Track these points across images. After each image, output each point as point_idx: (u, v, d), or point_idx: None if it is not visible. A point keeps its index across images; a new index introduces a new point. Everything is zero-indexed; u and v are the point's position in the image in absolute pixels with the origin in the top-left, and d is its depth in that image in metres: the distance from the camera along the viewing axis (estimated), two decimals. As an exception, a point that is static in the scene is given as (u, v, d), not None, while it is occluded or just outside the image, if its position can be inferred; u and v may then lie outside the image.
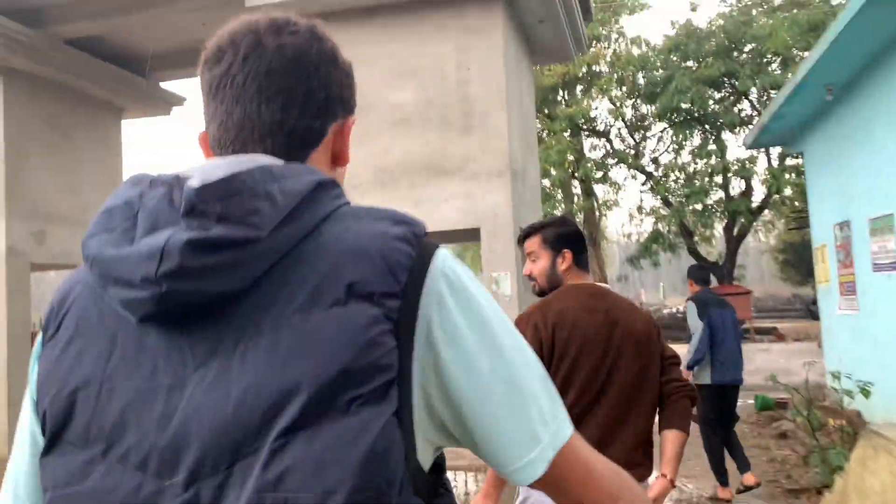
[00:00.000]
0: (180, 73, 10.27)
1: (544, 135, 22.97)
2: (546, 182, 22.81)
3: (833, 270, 7.40)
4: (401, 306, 0.67)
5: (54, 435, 0.71)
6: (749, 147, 8.79)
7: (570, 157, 22.05)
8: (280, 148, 0.79)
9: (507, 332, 0.74)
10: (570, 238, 2.21)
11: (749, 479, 5.06)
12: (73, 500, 0.68)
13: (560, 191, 24.63)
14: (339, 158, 0.86)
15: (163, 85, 10.54)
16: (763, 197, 21.17)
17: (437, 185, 6.93)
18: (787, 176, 18.57)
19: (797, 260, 36.36)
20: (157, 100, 10.46)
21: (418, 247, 0.71)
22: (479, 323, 0.72)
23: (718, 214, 21.01)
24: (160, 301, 0.65)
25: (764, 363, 13.59)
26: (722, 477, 5.13)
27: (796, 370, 12.56)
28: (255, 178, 0.69)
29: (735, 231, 21.52)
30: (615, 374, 2.05)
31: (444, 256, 0.74)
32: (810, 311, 32.80)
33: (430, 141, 7.03)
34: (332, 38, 0.85)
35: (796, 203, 22.95)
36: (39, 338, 0.78)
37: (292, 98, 0.79)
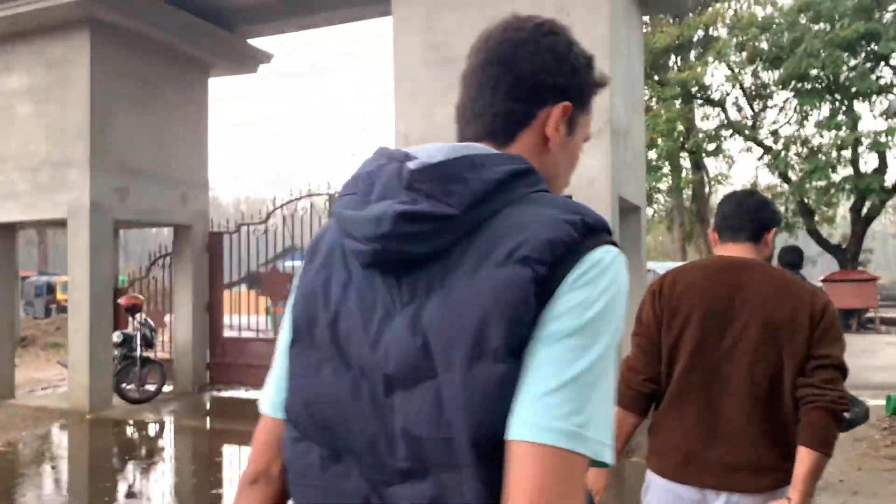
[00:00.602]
0: (268, 30, 9.94)
1: (653, 102, 21.58)
2: (652, 154, 21.52)
3: None
4: (548, 274, 0.79)
5: (298, 335, 0.94)
6: (891, 116, 7.47)
7: (680, 127, 20.52)
8: (490, 126, 0.95)
9: (606, 343, 0.79)
10: (717, 211, 2.10)
11: None
12: (309, 388, 0.91)
13: (668, 163, 23.15)
14: (550, 140, 0.95)
15: (250, 41, 10.26)
16: (900, 174, 18.98)
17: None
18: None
19: (933, 246, 33.01)
20: (245, 57, 10.21)
21: (585, 234, 0.82)
22: (593, 315, 0.79)
23: (845, 192, 19.01)
24: (375, 255, 0.86)
25: (894, 359, 12.03)
26: None
27: None
28: (458, 166, 0.85)
29: (863, 211, 19.45)
30: (733, 355, 1.88)
31: (609, 249, 0.83)
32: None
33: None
34: (567, 32, 0.99)
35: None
36: (304, 261, 0.99)
37: (499, 85, 0.94)
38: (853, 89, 17.28)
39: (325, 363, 0.89)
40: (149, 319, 9.28)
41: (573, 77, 0.96)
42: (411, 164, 0.85)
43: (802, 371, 1.84)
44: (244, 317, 10.01)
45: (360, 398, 0.85)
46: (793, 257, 5.53)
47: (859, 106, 18.52)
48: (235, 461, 6.66)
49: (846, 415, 1.83)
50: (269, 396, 1.00)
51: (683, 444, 1.91)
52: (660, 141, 19.16)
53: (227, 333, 10.10)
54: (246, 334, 10.13)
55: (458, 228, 0.83)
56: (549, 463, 0.74)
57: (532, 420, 0.75)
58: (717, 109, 22.57)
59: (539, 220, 0.82)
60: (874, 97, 18.86)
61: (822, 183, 18.17)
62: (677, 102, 20.27)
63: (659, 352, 1.97)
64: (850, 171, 19.15)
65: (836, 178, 18.69)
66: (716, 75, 22.67)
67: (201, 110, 9.96)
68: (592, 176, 5.98)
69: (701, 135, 20.65)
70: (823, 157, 18.23)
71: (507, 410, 0.76)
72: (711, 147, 22.22)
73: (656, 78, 20.83)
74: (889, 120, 18.25)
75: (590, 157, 5.97)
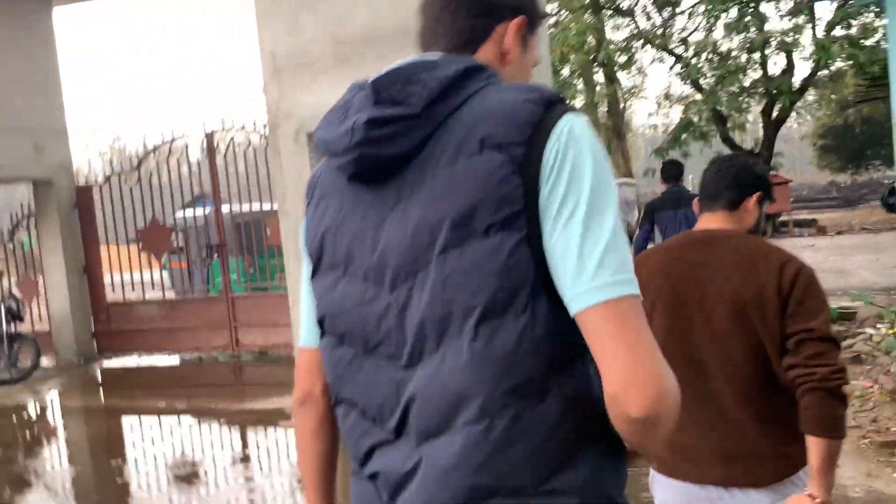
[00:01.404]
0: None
1: (561, 15, 20.84)
2: (566, 71, 20.92)
3: (923, 148, 5.82)
4: (525, 153, 0.87)
5: (315, 264, 1.05)
6: (796, 15, 6.92)
7: (592, 41, 19.90)
8: (451, 44, 1.02)
9: (600, 190, 0.86)
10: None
11: None
12: (331, 302, 1.01)
13: (580, 78, 22.61)
14: (506, 54, 1.03)
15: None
16: (808, 74, 19.05)
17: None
18: (836, 47, 16.33)
19: (838, 145, 34.11)
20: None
21: (546, 108, 0.89)
22: (581, 171, 0.87)
23: (756, 96, 19.00)
24: (356, 163, 0.94)
25: (812, 263, 12.10)
26: None
27: (853, 270, 11.11)
28: (412, 69, 0.94)
29: (773, 115, 19.54)
30: (707, 339, 1.73)
31: (573, 120, 0.90)
32: (847, 201, 31.03)
33: (406, 0, 5.43)
34: None
35: (849, 79, 20.72)
36: (306, 204, 1.09)
37: (460, 5, 1.02)
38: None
39: (339, 279, 1.00)
40: (14, 290, 8.20)
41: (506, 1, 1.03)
42: (371, 77, 0.95)
43: (786, 349, 1.67)
44: (139, 276, 9.00)
45: (370, 300, 0.96)
46: (672, 169, 5.62)
47: (766, 7, 18.33)
48: (138, 439, 5.88)
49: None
50: (302, 332, 1.12)
51: (677, 437, 1.55)
52: (571, 56, 18.50)
53: (121, 296, 9.08)
54: (149, 296, 9.13)
55: (424, 126, 0.92)
56: (619, 311, 0.83)
57: (588, 286, 0.83)
58: (628, 19, 22.08)
59: (502, 104, 0.91)
60: (780, -3, 18.69)
61: (733, 88, 18.04)
62: (587, 15, 19.60)
63: None
64: (759, 74, 19.11)
65: (746, 82, 18.61)
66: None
67: (46, 45, 8.60)
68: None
69: (612, 47, 20.08)
70: (734, 63, 18.05)
71: (504, 276, 0.85)
72: (623, 59, 21.78)
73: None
74: (794, 19, 18.15)
75: (482, 65, 5.23)
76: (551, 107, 0.89)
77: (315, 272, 1.04)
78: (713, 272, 1.74)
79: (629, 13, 21.98)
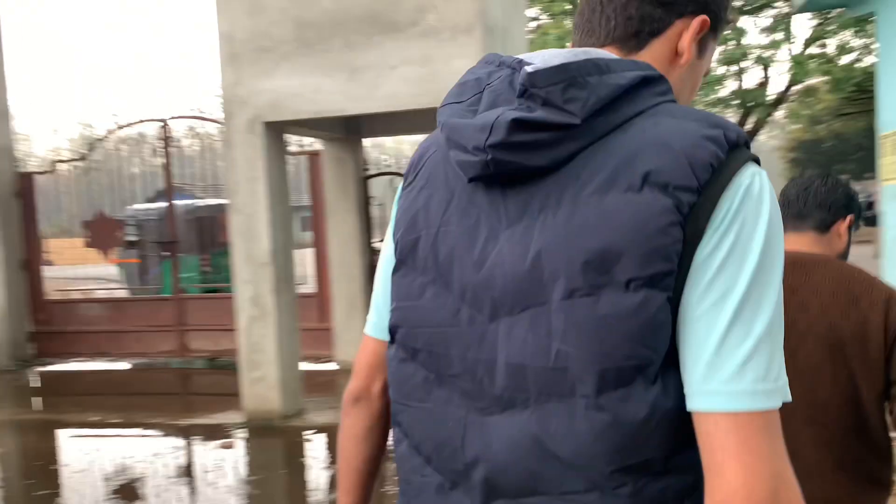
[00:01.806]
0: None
1: (543, 17, 20.60)
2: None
3: (916, 166, 5.55)
4: (695, 202, 0.69)
5: (402, 259, 0.88)
6: (798, 10, 6.64)
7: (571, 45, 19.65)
8: (619, 31, 0.84)
9: (765, 272, 0.70)
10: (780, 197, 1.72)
11: None
12: (411, 311, 0.86)
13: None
14: (680, 56, 0.86)
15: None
16: (783, 89, 19.06)
17: (380, 46, 4.95)
18: (812, 63, 16.32)
19: (807, 159, 34.55)
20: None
21: (728, 152, 0.71)
22: (749, 243, 0.70)
23: (732, 107, 18.95)
24: (484, 166, 0.76)
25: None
26: None
27: None
28: (581, 69, 0.74)
29: (748, 127, 19.52)
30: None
31: (755, 171, 0.73)
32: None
33: (375, -14, 4.98)
34: None
35: (822, 95, 20.81)
36: (401, 184, 0.93)
37: None
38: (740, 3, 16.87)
39: (427, 286, 0.85)
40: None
41: None
42: (528, 68, 0.75)
43: (888, 393, 1.50)
44: (86, 271, 8.39)
45: (461, 322, 0.81)
46: None
47: (745, 21, 18.29)
48: (73, 456, 5.32)
49: None
50: (372, 318, 0.99)
51: None
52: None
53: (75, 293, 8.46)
54: (101, 294, 8.52)
55: (579, 139, 0.75)
56: (748, 427, 0.68)
57: (720, 388, 0.69)
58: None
59: (677, 136, 0.72)
60: (760, 11, 18.64)
61: (711, 97, 17.97)
62: (568, 20, 19.37)
63: None
64: (735, 86, 19.07)
65: (723, 93, 18.56)
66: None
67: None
68: (463, 82, 4.83)
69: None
70: (711, 74, 17.97)
71: (640, 341, 0.70)
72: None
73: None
74: (772, 35, 18.13)
75: (457, 57, 4.80)
76: (735, 150, 0.72)
77: (400, 266, 0.90)
78: (806, 300, 1.54)
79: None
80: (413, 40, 4.88)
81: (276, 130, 5.42)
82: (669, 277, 0.70)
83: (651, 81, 0.77)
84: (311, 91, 5.05)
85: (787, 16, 17.73)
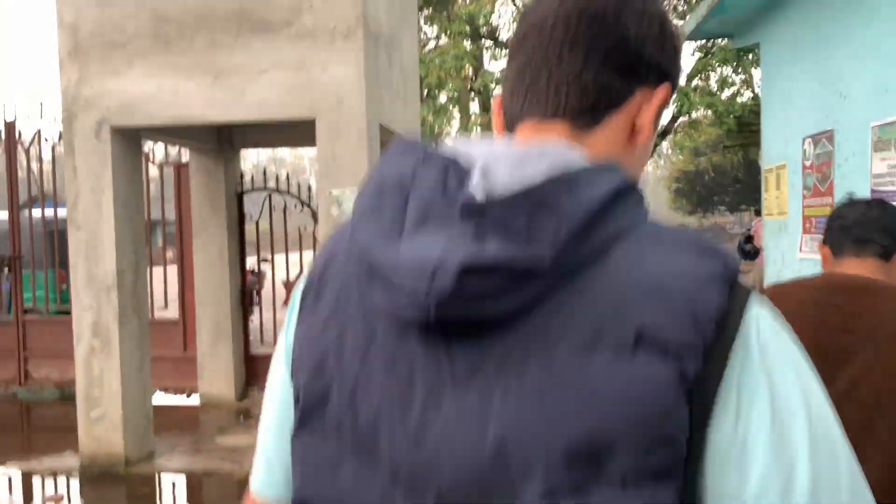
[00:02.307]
0: None
1: (442, 38, 20.59)
2: (443, 97, 20.56)
3: (795, 200, 5.61)
4: (702, 369, 0.54)
5: (307, 414, 0.67)
6: (689, 38, 6.70)
7: (470, 70, 19.73)
8: (573, 103, 0.68)
9: (827, 442, 0.55)
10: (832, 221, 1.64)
11: None
12: (324, 488, 0.65)
13: (457, 105, 22.37)
14: (639, 133, 0.70)
15: None
16: (668, 119, 19.87)
17: (249, 47, 4.45)
18: (696, 96, 17.08)
19: (689, 189, 36.49)
20: None
21: (732, 293, 0.57)
22: (791, 415, 0.55)
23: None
24: (426, 318, 0.58)
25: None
26: None
27: None
28: (546, 186, 0.57)
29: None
30: (849, 404, 1.32)
31: (759, 310, 0.58)
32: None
33: (247, -18, 4.49)
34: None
35: (705, 128, 21.89)
36: (298, 294, 0.72)
37: (598, 46, 0.67)
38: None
39: (344, 458, 0.64)
40: None
41: (674, 57, 0.72)
42: (473, 178, 0.59)
43: None
44: None
45: None
46: None
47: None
48: None
49: None
50: (260, 474, 0.78)
51: None
52: (449, 81, 18.13)
53: None
54: None
55: (548, 278, 0.57)
56: None
57: None
58: (506, 51, 22.18)
59: (671, 275, 0.56)
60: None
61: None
62: (466, 41, 19.42)
63: None
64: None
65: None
66: (504, 15, 22.09)
67: None
68: (340, 93, 4.40)
69: (490, 77, 19.97)
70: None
71: None
72: (500, 90, 21.68)
73: (444, 12, 19.71)
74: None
75: (335, 63, 4.38)
76: (735, 288, 0.57)
77: (303, 423, 0.67)
78: (870, 326, 1.42)
79: (507, 45, 22.06)
80: (286, 42, 4.42)
81: (129, 137, 4.79)
82: (678, 467, 0.55)
83: (625, 193, 0.60)
84: (169, 94, 4.48)
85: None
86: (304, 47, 4.39)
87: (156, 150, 6.81)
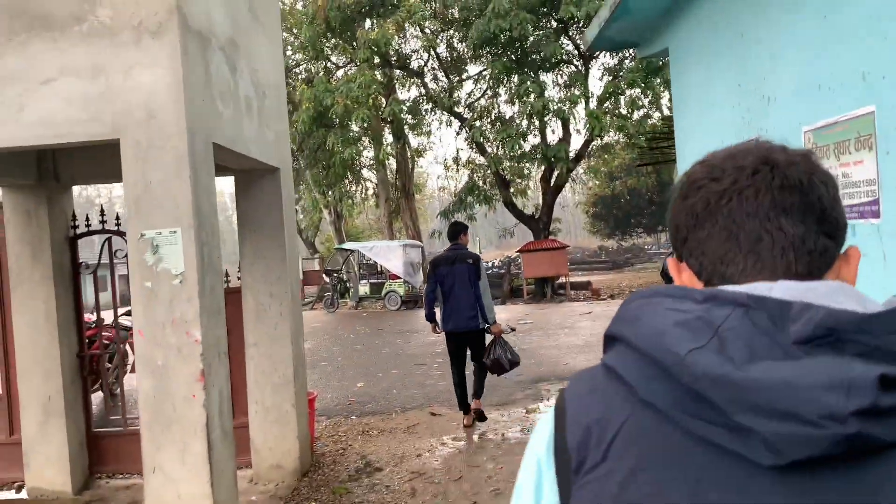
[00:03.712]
0: None
1: (349, 67, 19.83)
2: (355, 127, 19.77)
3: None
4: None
5: None
6: (589, 49, 6.01)
7: (381, 98, 18.98)
8: (803, 266, 0.72)
9: None
10: None
11: (477, 404, 6.34)
12: None
13: (367, 135, 21.57)
14: None
15: None
16: (582, 143, 19.64)
17: (27, 49, 3.42)
18: (607, 118, 16.84)
19: (606, 213, 36.78)
20: None
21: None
22: None
23: (536, 161, 19.15)
24: (835, 443, 0.56)
25: (593, 335, 11.47)
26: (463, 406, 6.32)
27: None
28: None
29: (552, 181, 19.83)
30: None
31: None
32: (615, 264, 33.44)
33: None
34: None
35: (618, 152, 21.80)
36: (551, 464, 0.73)
37: (810, 212, 0.72)
38: (540, 55, 17.14)
39: None
40: None
41: (845, 220, 0.77)
42: (816, 314, 0.62)
43: None
44: None
45: None
46: (451, 229, 6.57)
47: (545, 77, 18.71)
48: None
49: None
50: None
51: None
52: (357, 109, 17.29)
53: None
54: None
55: None
56: None
57: None
58: (417, 80, 21.63)
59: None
60: (558, 68, 19.17)
61: (515, 153, 17.98)
62: (374, 67, 18.70)
63: None
64: (538, 140, 19.34)
65: (527, 147, 18.71)
66: (412, 43, 21.59)
67: None
68: (151, 105, 3.42)
69: (399, 105, 19.24)
70: (515, 127, 18.04)
71: None
72: (412, 120, 21.16)
73: (350, 36, 18.95)
74: (569, 90, 18.66)
75: (141, 67, 3.40)
76: None
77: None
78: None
79: (419, 74, 21.51)
80: (78, 42, 3.41)
81: None
82: None
83: None
84: (-78, 112, 3.38)
85: (586, 71, 18.34)
86: (100, 48, 3.40)
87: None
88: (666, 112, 17.37)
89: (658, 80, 16.15)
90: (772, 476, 0.58)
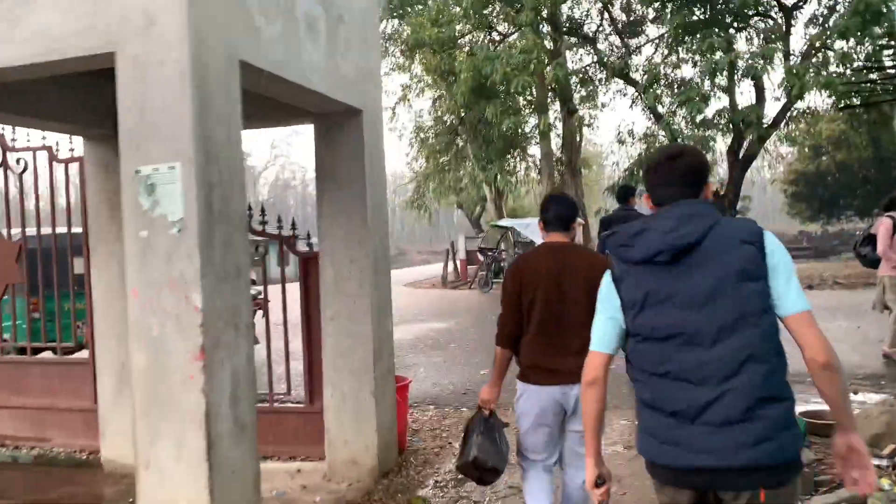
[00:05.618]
0: None
1: (516, 37, 18.77)
2: (520, 98, 18.75)
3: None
4: (759, 246, 1.86)
5: (639, 307, 1.95)
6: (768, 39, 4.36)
7: (540, 60, 17.59)
8: (690, 195, 2.00)
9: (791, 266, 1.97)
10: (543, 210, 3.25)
11: None
12: (657, 319, 1.92)
13: (531, 105, 20.42)
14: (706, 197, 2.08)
15: None
16: (780, 109, 16.95)
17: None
18: (811, 76, 14.09)
19: (809, 192, 32.31)
20: None
21: (761, 229, 1.92)
22: (784, 261, 1.91)
23: (721, 128, 16.83)
24: (665, 254, 1.92)
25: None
26: None
27: (839, 336, 8.48)
28: (696, 221, 1.92)
29: (741, 152, 17.35)
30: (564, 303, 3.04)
31: (768, 233, 1.92)
32: (818, 252, 29.10)
33: None
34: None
35: (824, 122, 18.67)
36: (610, 279, 2.04)
37: (696, 178, 2.03)
38: (730, 7, 14.89)
39: (662, 310, 1.91)
40: None
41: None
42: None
43: None
44: None
45: (690, 314, 1.87)
46: (622, 191, 6.89)
47: (736, 36, 16.32)
48: None
49: None
50: (600, 340, 2.04)
51: (544, 360, 2.99)
52: (518, 77, 16.17)
53: None
54: None
55: (699, 237, 1.90)
56: (812, 317, 1.83)
57: (797, 301, 1.84)
58: (589, 47, 20.07)
59: (741, 224, 1.93)
60: (751, 24, 16.70)
61: (696, 118, 15.85)
62: (539, 34, 17.46)
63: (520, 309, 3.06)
64: (725, 103, 17.01)
65: (710, 112, 16.45)
66: (585, 4, 20.02)
67: None
68: (150, 9, 2.70)
69: (567, 73, 17.78)
70: (697, 88, 15.83)
71: (760, 304, 1.83)
72: (582, 91, 19.68)
73: (514, 4, 17.85)
74: (764, 45, 16.09)
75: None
76: (761, 230, 1.91)
77: (640, 311, 1.93)
78: (572, 266, 3.11)
79: (592, 40, 19.95)
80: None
81: None
82: (763, 277, 1.89)
83: (711, 215, 2.01)
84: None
85: (787, 26, 15.72)
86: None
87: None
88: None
89: (880, 29, 13.20)
90: (654, 267, 1.94)
